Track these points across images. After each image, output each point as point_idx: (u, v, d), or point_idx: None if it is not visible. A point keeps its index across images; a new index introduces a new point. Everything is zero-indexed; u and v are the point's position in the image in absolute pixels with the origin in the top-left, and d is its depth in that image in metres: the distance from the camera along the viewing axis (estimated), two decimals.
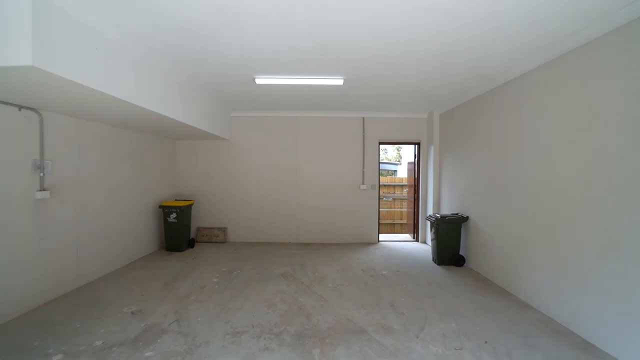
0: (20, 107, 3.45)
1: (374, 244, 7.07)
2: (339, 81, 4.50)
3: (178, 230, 6.20)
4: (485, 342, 2.96)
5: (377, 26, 2.91)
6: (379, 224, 7.33)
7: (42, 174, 3.72)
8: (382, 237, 7.74)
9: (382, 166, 16.54)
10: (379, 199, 7.30)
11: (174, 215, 6.12)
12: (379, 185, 7.37)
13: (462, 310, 3.64)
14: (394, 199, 9.62)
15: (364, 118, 7.08)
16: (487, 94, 4.80)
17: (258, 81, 4.53)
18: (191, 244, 6.55)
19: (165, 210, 6.12)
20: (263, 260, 5.68)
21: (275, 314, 3.52)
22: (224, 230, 7.06)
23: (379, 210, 7.31)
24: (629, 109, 2.60)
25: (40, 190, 3.71)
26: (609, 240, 2.75)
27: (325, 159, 7.09)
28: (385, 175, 14.96)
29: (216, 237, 7.03)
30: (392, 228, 9.41)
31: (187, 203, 6.34)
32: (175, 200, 6.74)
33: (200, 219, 7.15)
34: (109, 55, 3.02)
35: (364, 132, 7.11)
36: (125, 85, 3.26)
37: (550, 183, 3.47)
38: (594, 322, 2.90)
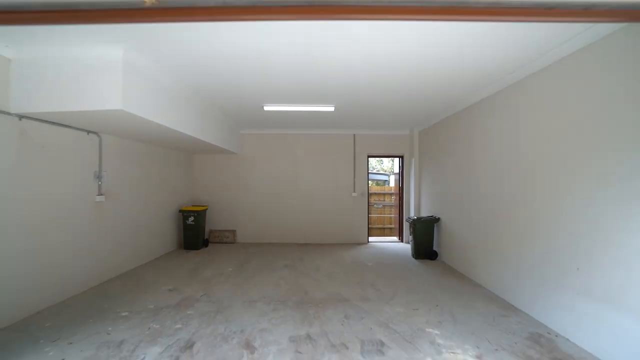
0: (88, 132, 4.56)
1: (364, 244, 8.11)
2: (330, 108, 5.64)
3: (195, 232, 7.25)
4: (437, 305, 4.00)
5: (364, 74, 4.04)
6: (368, 226, 8.39)
7: (99, 182, 4.81)
8: (371, 239, 8.79)
9: (375, 177, 17.67)
10: (368, 205, 8.39)
11: (191, 218, 7.18)
12: (368, 193, 8.46)
13: (425, 288, 4.68)
14: (384, 206, 10.68)
15: (354, 135, 8.21)
16: (452, 117, 5.93)
17: (266, 108, 5.66)
18: (205, 243, 7.59)
19: (184, 214, 7.18)
20: (268, 256, 6.72)
21: (280, 290, 4.56)
22: (233, 232, 8.11)
23: (368, 215, 8.38)
24: (538, 129, 3.72)
25: (99, 195, 4.79)
26: (527, 234, 3.82)
27: (321, 169, 8.19)
28: (378, 185, 16.04)
29: (226, 238, 8.07)
30: (383, 232, 10.43)
31: (202, 208, 7.40)
32: (192, 205, 7.80)
33: (212, 222, 8.19)
34: (160, 94, 4.15)
35: (354, 146, 8.23)
36: (167, 115, 4.37)
37: (494, 189, 4.57)
38: (516, 291, 3.94)
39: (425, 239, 6.43)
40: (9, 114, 3.40)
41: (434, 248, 6.57)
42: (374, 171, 20.43)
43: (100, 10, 1.84)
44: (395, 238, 8.95)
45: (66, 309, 3.82)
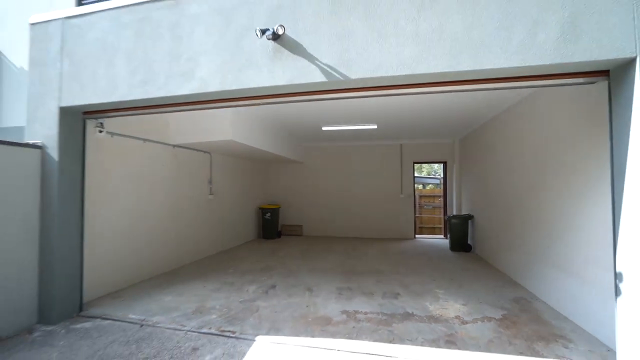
0: (204, 152, 6.79)
1: (410, 239, 9.27)
2: (373, 126, 7.11)
3: (271, 225, 9.27)
4: (452, 279, 5.18)
5: (401, 106, 5.50)
6: (415, 224, 9.52)
7: (211, 186, 7.01)
8: (419, 235, 9.88)
9: (426, 180, 18.30)
10: (414, 205, 9.53)
11: (268, 214, 9.22)
12: (415, 195, 9.60)
13: (447, 268, 5.83)
14: (434, 207, 11.59)
15: (401, 145, 9.48)
16: (478, 129, 6.91)
17: (324, 128, 7.37)
18: (279, 234, 9.58)
19: (263, 210, 9.26)
20: (327, 244, 8.37)
21: (333, 264, 6.16)
22: (300, 226, 9.99)
23: (414, 214, 9.52)
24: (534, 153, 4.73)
25: (210, 194, 6.99)
26: (524, 225, 4.82)
27: (372, 174, 9.61)
28: (429, 188, 16.67)
29: (295, 231, 9.98)
30: (433, 231, 11.35)
31: (276, 206, 9.41)
32: (268, 204, 9.87)
33: (284, 218, 10.18)
34: (253, 126, 6.12)
35: (401, 154, 9.48)
36: (256, 139, 6.33)
37: (506, 189, 5.56)
38: (518, 270, 4.93)
39: (460, 234, 7.42)
40: (169, 144, 5.65)
41: (469, 242, 7.50)
42: (426, 175, 20.89)
43: (197, 102, 3.67)
44: (442, 235, 9.88)
45: (198, 265, 5.97)
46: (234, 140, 5.42)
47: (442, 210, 9.77)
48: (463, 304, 4.05)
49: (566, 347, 2.95)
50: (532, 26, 2.42)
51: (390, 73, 2.64)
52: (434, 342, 3.05)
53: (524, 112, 4.84)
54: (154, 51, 3.28)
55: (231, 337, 3.18)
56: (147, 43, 3.31)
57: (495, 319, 3.60)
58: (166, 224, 5.64)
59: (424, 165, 24.38)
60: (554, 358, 2.76)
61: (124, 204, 4.71)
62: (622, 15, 2.29)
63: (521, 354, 2.83)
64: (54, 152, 3.59)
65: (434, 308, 3.93)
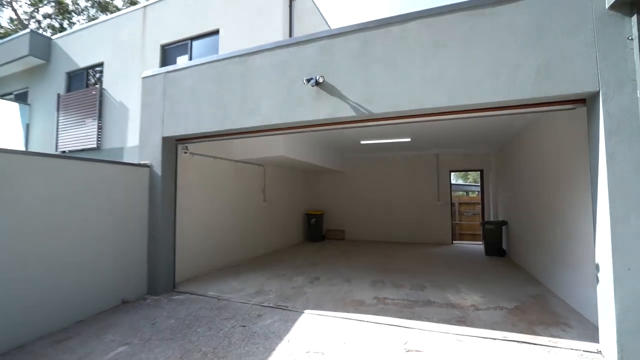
0: (259, 165, 8.01)
1: (447, 244, 9.67)
2: (407, 139, 7.81)
3: (316, 229, 10.27)
4: (478, 277, 5.70)
5: (431, 124, 6.22)
6: (452, 230, 9.90)
7: (264, 193, 8.20)
8: (456, 241, 10.21)
9: (467, 187, 18.10)
10: (451, 212, 9.92)
11: (313, 219, 10.24)
12: (451, 202, 10.00)
13: (477, 268, 6.31)
14: (474, 214, 11.76)
15: (437, 154, 9.98)
16: (510, 141, 7.28)
17: (362, 142, 8.23)
18: (323, 238, 10.54)
19: (309, 216, 10.30)
20: (366, 247, 9.14)
21: (370, 263, 6.93)
22: (342, 231, 10.86)
23: (451, 220, 9.91)
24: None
25: (264, 201, 8.18)
26: (545, 229, 5.24)
27: (409, 182, 10.21)
28: (474, 195, 16.54)
29: (338, 235, 10.87)
30: (474, 237, 11.54)
31: (320, 212, 10.40)
32: (313, 210, 10.90)
33: (327, 223, 11.13)
34: (299, 142, 7.18)
35: (437, 163, 9.98)
36: (304, 153, 7.38)
37: (531, 198, 5.95)
38: (542, 270, 5.31)
39: (494, 239, 7.75)
40: (232, 160, 6.92)
41: (503, 247, 7.80)
42: (472, 182, 20.53)
43: (263, 130, 4.71)
44: (481, 242, 10.11)
45: (256, 261, 7.13)
46: (284, 156, 6.52)
47: (480, 216, 10.02)
48: (481, 297, 4.62)
49: (564, 331, 3.47)
50: (514, 70, 3.12)
51: (403, 108, 3.48)
52: (447, 321, 3.74)
53: (542, 128, 5.28)
54: (229, 95, 4.45)
55: (285, 309, 4.16)
56: (223, 89, 4.50)
57: (507, 308, 4.16)
58: (230, 225, 6.88)
59: (470, 172, 23.97)
60: (547, 336, 3.32)
61: (201, 208, 6.00)
62: (585, 59, 2.91)
63: (520, 332, 3.42)
64: (158, 169, 4.92)
65: (453, 298, 4.57)
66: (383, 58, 3.60)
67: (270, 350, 3.09)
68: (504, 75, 3.15)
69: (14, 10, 22.01)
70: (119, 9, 25.28)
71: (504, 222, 7.71)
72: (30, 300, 3.41)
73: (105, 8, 24.96)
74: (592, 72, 2.89)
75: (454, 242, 10.00)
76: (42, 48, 11.01)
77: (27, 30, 11.22)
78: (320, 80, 3.74)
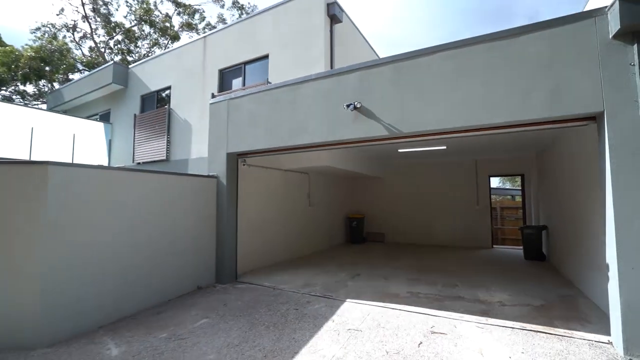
0: (304, 173, 8.88)
1: (487, 248, 9.79)
2: (442, 147, 8.21)
3: (357, 232, 10.92)
4: (511, 278, 5.99)
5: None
6: (492, 234, 9.99)
7: (309, 199, 9.06)
8: (497, 246, 10.25)
9: (512, 192, 17.51)
10: (491, 216, 10.02)
11: (355, 222, 10.90)
12: (491, 206, 10.09)
13: (511, 269, 6.55)
14: (517, 219, 11.62)
15: (476, 160, 10.15)
16: (550, 146, 7.39)
17: (400, 151, 8.77)
18: (363, 240, 11.16)
19: (350, 219, 10.99)
20: (405, 249, 9.60)
21: (408, 264, 7.44)
22: (382, 234, 11.40)
23: (491, 225, 10.00)
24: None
25: (309, 206, 9.04)
26: (580, 234, 5.43)
27: (446, 187, 10.48)
28: (516, 199, 16.02)
29: (378, 238, 11.42)
30: (518, 242, 11.40)
31: (361, 216, 11.04)
32: (354, 214, 11.56)
33: (368, 226, 11.72)
34: (343, 152, 7.93)
35: (476, 168, 10.15)
36: (346, 162, 8.11)
37: (572, 204, 6.12)
38: (575, 273, 5.49)
39: (534, 244, 7.84)
40: (281, 170, 7.86)
41: (543, 251, 7.85)
42: (515, 186, 19.77)
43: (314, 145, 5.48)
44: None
45: (302, 259, 7.99)
46: (327, 165, 7.31)
47: (522, 221, 9.98)
48: (510, 295, 4.99)
49: (582, 325, 3.81)
50: (528, 93, 3.60)
51: (430, 128, 4.09)
52: (471, 312, 4.23)
53: (575, 135, 5.49)
54: (281, 117, 5.34)
55: (329, 298, 4.91)
56: (276, 112, 5.40)
57: (533, 305, 4.52)
58: (280, 226, 7.81)
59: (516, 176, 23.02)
60: (563, 329, 3.70)
61: (256, 211, 6.97)
62: (591, 83, 3.32)
63: (538, 324, 3.82)
64: (223, 179, 5.95)
65: (482, 295, 4.99)
66: (412, 85, 4.23)
67: (318, 326, 3.85)
68: (519, 98, 3.64)
69: (94, 40, 25.51)
70: (176, 31, 28.14)
71: (544, 227, 7.78)
72: (136, 281, 4.52)
73: (164, 32, 27.87)
74: (598, 94, 3.29)
75: (494, 246, 10.07)
76: (122, 76, 13.00)
77: (110, 62, 13.33)
78: (358, 106, 4.46)
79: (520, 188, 17.35)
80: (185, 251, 5.30)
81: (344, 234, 11.24)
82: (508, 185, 35.83)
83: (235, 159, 6.13)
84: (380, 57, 12.03)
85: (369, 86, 4.54)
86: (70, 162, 12.41)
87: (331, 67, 7.71)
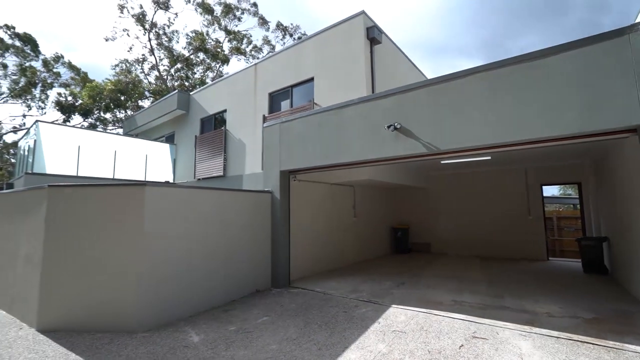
0: (349, 186, 9.37)
1: (542, 260, 9.39)
2: (487, 157, 8.20)
3: (402, 242, 11.08)
4: (564, 291, 5.86)
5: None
6: (547, 246, 9.56)
7: (354, 210, 9.50)
8: (554, 258, 9.76)
9: (570, 201, 16.24)
10: (544, 226, 9.62)
11: (399, 232, 11.09)
12: (544, 216, 9.69)
13: (568, 284, 6.36)
14: (576, 229, 10.92)
15: (525, 169, 9.87)
16: (611, 154, 7.09)
17: (443, 162, 8.90)
18: (408, 250, 11.27)
19: (395, 229, 11.20)
20: (451, 260, 9.57)
21: (453, 274, 7.51)
22: (428, 244, 11.41)
23: (546, 235, 9.59)
24: None
25: (354, 217, 9.47)
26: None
27: (494, 197, 10.27)
28: (577, 208, 14.86)
29: (423, 248, 11.45)
30: (576, 254, 10.70)
31: (405, 226, 11.19)
32: (399, 224, 11.73)
33: (413, 236, 11.79)
34: (388, 166, 8.31)
35: (526, 177, 9.85)
36: (388, 175, 8.46)
37: (633, 215, 5.88)
38: (637, 287, 5.26)
39: (593, 256, 7.46)
40: (328, 183, 8.44)
41: (605, 265, 7.42)
42: (569, 195, 18.28)
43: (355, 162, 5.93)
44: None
45: (349, 268, 8.42)
46: (371, 179, 7.73)
47: (581, 232, 9.42)
48: (560, 307, 4.96)
49: (637, 340, 3.77)
50: (562, 109, 3.78)
51: (466, 145, 4.38)
52: (515, 321, 4.34)
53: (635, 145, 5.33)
54: (327, 138, 5.92)
55: (376, 303, 5.28)
56: (324, 133, 6.00)
57: (583, 318, 4.49)
58: (327, 237, 8.34)
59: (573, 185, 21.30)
60: (615, 341, 3.69)
61: (305, 222, 7.57)
62: (626, 98, 3.43)
63: (586, 336, 3.85)
64: (277, 194, 6.66)
65: (529, 306, 5.02)
66: (449, 105, 4.57)
67: (366, 327, 4.27)
68: (554, 114, 3.82)
69: (158, 70, 28.76)
70: (226, 55, 30.61)
71: (604, 238, 7.38)
72: (207, 283, 5.31)
73: (216, 57, 30.46)
74: (634, 108, 3.39)
75: (550, 258, 9.62)
76: (184, 102, 14.68)
77: (175, 92, 15.15)
78: (398, 127, 4.89)
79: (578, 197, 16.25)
80: (246, 258, 6.03)
81: (389, 244, 11.44)
82: (571, 192, 32.94)
83: (287, 176, 6.82)
84: (420, 68, 12.28)
85: (407, 108, 4.95)
86: (144, 179, 14.24)
87: (372, 87, 8.19)
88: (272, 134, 6.90)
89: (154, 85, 29.21)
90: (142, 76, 29.05)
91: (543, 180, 9.68)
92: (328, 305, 5.30)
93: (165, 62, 29.59)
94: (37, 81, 28.47)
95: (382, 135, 5.15)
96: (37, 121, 12.35)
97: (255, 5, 30.00)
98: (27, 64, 27.83)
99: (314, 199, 7.97)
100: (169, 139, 16.09)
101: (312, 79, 9.50)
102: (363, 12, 8.58)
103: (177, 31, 29.41)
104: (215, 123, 13.40)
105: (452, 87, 4.58)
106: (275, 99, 10.69)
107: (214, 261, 5.46)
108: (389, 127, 4.95)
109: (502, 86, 4.18)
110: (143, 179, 14.26)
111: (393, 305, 5.14)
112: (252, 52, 31.53)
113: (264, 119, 10.24)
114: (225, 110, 12.75)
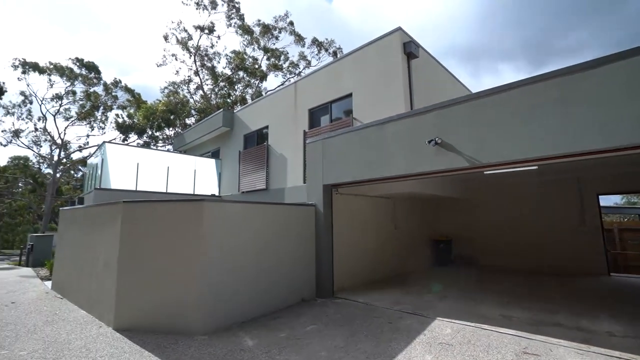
0: (388, 198, 9.45)
1: (601, 274, 8.74)
2: (533, 167, 7.92)
3: (444, 254, 10.87)
4: (631, 310, 5.49)
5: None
6: (607, 259, 8.89)
7: (394, 222, 9.54)
8: (616, 274, 9.04)
9: (634, 211, 14.79)
10: (603, 238, 8.98)
11: (442, 245, 10.89)
12: (602, 228, 9.05)
13: (633, 302, 5.93)
14: None
15: (578, 178, 9.34)
16: None
17: (486, 173, 8.70)
18: (452, 263, 11.00)
19: (437, 241, 11.03)
20: (498, 273, 9.21)
21: (500, 288, 7.27)
22: (472, 257, 11.06)
23: (605, 248, 8.94)
24: None
25: (395, 229, 9.51)
26: None
27: (544, 206, 9.78)
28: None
29: (466, 260, 11.12)
30: None
31: (448, 238, 10.98)
32: (441, 236, 11.51)
33: (456, 249, 11.49)
34: (433, 180, 8.34)
35: (579, 186, 9.30)
36: (429, 186, 8.46)
37: None
38: None
39: None
40: (368, 196, 8.61)
41: None
42: (635, 204, 16.63)
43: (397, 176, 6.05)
44: None
45: (391, 280, 8.46)
46: (412, 191, 7.80)
47: None
48: (622, 327, 4.68)
49: None
50: (612, 121, 3.71)
51: (507, 159, 4.40)
52: (571, 339, 4.20)
53: None
54: (368, 153, 6.15)
55: (420, 316, 5.33)
56: (365, 149, 6.24)
57: None
58: (369, 249, 8.47)
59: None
60: None
61: (347, 234, 7.79)
62: None
63: None
64: (320, 207, 6.97)
65: (587, 324, 4.80)
66: (490, 120, 4.63)
67: (411, 338, 4.37)
68: (602, 126, 3.76)
69: (203, 90, 30.86)
70: (264, 72, 32.06)
71: None
72: (258, 292, 5.69)
73: (254, 74, 32.01)
74: None
75: (612, 273, 8.93)
76: (229, 120, 15.69)
77: (220, 110, 16.27)
78: (439, 141, 5.00)
79: None
80: (292, 269, 6.36)
81: (430, 256, 11.26)
82: (638, 202, 29.95)
83: (329, 190, 7.12)
84: (460, 72, 12.16)
85: (447, 122, 5.06)
86: (193, 192, 15.32)
87: (411, 101, 8.33)
88: (315, 150, 7.26)
89: (199, 104, 31.33)
90: (188, 96, 31.36)
91: (599, 189, 9.09)
92: (372, 316, 5.43)
93: (209, 81, 31.71)
94: (99, 104, 31.81)
95: (423, 150, 5.28)
96: (104, 142, 13.89)
97: (291, 23, 31.38)
98: (92, 90, 31.25)
99: (356, 211, 8.17)
100: (215, 154, 17.20)
101: (350, 95, 9.82)
102: (399, 29, 8.80)
103: (218, 53, 31.51)
104: (258, 138, 14.16)
105: (494, 101, 4.63)
106: (314, 115, 11.14)
107: (263, 271, 5.84)
108: (430, 142, 5.08)
109: (543, 100, 4.18)
110: (192, 192, 15.37)
111: (438, 318, 5.16)
112: (289, 68, 32.83)
113: (305, 134, 10.71)
114: (267, 127, 13.46)
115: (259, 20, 31.14)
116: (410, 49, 8.55)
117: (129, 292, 5.24)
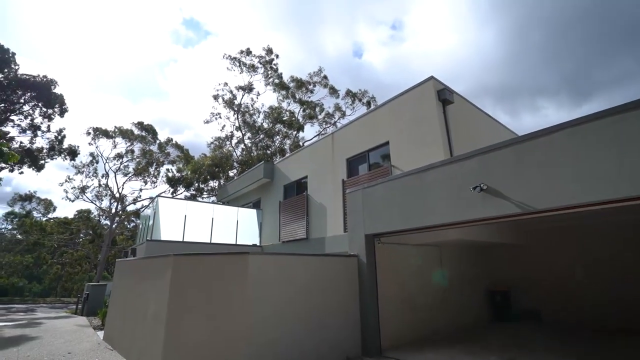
0: (434, 246, 9.04)
1: None
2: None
3: (502, 307, 9.87)
4: None
5: None
6: None
7: (442, 272, 8.99)
8: None
9: None
10: None
11: (498, 297, 9.95)
12: None
13: None
14: None
15: None
16: None
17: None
18: (511, 317, 9.88)
19: (492, 292, 10.10)
20: (572, 331, 8.10)
21: (577, 349, 6.36)
22: (536, 310, 9.87)
23: None
24: None
25: (443, 279, 8.93)
26: None
27: (624, 249, 8.71)
28: None
29: (530, 315, 9.93)
30: None
31: (505, 289, 10.02)
32: (497, 286, 10.51)
33: (515, 301, 10.36)
34: (483, 225, 7.95)
35: None
36: (479, 233, 8.02)
37: None
38: None
39: None
40: (410, 244, 8.31)
41: None
42: None
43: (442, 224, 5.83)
44: None
45: (442, 337, 7.77)
46: (460, 238, 7.43)
47: None
48: None
49: None
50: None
51: (562, 204, 4.15)
52: None
53: None
54: (410, 201, 6.08)
55: None
56: (405, 197, 6.19)
57: None
58: (416, 301, 7.95)
59: None
60: None
61: (392, 285, 7.43)
62: None
63: None
64: (363, 257, 6.82)
65: None
66: (534, 166, 4.46)
67: None
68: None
69: (244, 143, 33.04)
70: (300, 124, 33.76)
71: None
72: (297, 348, 5.48)
73: (291, 126, 33.78)
74: None
75: None
76: (269, 171, 16.45)
77: (261, 163, 17.19)
78: (485, 188, 4.86)
79: None
80: (334, 323, 6.11)
81: (486, 310, 10.26)
82: None
83: (371, 239, 7.01)
84: (497, 112, 11.97)
85: (491, 168, 4.94)
86: (235, 242, 15.75)
87: (450, 147, 8.30)
88: (355, 200, 7.32)
89: (240, 157, 33.35)
90: (231, 149, 33.63)
91: None
92: None
93: (249, 134, 33.96)
94: (153, 161, 34.99)
95: (468, 196, 5.13)
96: (157, 196, 15.07)
97: (325, 77, 33.56)
98: (148, 148, 34.68)
99: (401, 261, 7.88)
100: (256, 205, 17.83)
101: (387, 143, 10.00)
102: (432, 78, 9.09)
103: (258, 109, 34.11)
104: (297, 188, 14.58)
105: (540, 144, 4.50)
106: (352, 164, 11.38)
107: (306, 325, 5.68)
108: (474, 188, 4.95)
109: (594, 140, 3.98)
110: (234, 242, 15.80)
111: None
112: (325, 119, 34.45)
113: (343, 183, 10.89)
114: (306, 177, 13.89)
115: (292, 76, 33.71)
116: (445, 96, 8.72)
117: (177, 342, 5.33)
